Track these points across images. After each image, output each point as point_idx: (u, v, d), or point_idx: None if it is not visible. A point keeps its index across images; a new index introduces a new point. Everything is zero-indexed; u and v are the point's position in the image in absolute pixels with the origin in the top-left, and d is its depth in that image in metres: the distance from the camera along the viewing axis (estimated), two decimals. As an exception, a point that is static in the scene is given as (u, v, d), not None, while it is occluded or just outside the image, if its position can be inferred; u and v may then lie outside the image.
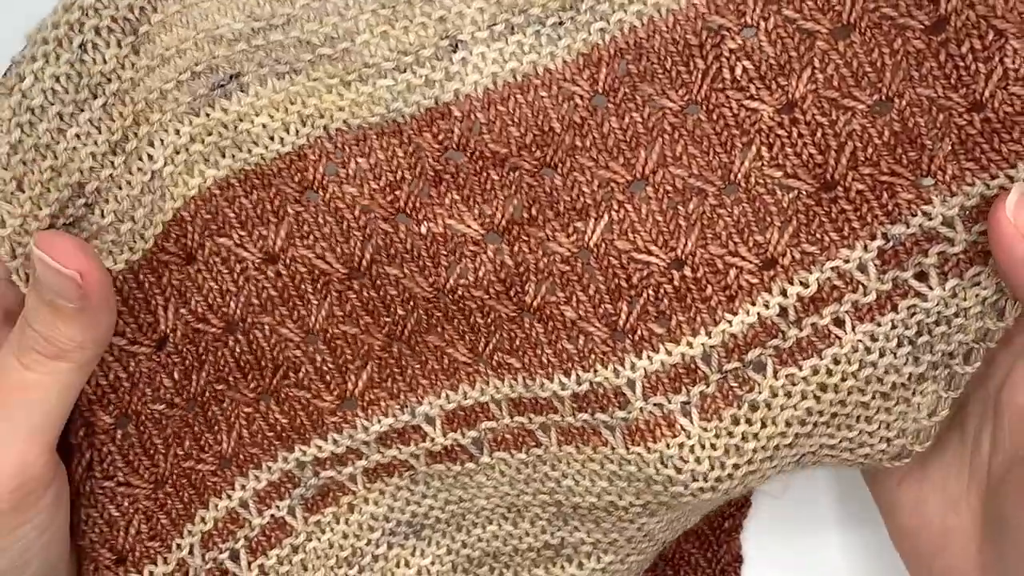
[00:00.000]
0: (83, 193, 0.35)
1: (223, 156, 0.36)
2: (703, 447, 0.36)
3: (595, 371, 0.36)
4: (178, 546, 0.39)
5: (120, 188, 0.36)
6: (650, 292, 0.36)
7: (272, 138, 0.36)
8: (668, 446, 0.36)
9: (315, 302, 0.37)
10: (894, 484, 0.41)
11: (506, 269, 0.36)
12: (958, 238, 0.35)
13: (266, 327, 0.37)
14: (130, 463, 0.38)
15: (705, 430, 0.36)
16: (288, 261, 0.37)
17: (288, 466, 0.39)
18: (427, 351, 0.38)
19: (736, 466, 0.36)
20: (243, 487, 0.39)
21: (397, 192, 0.36)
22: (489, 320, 0.37)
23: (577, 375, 0.36)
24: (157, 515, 0.38)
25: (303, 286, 0.37)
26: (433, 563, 0.41)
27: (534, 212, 0.36)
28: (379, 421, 0.38)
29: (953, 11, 0.33)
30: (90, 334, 0.35)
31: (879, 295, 0.35)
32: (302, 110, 0.36)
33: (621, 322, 0.36)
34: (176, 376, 0.38)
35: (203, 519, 0.39)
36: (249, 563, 0.39)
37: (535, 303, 0.36)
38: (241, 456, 0.39)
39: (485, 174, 0.36)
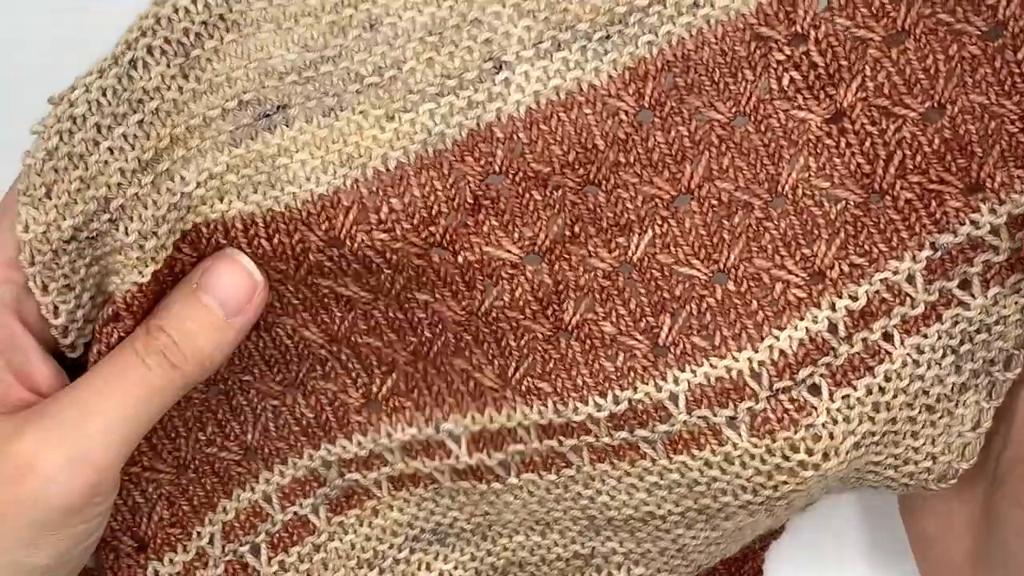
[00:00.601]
0: (108, 208, 0.35)
1: (255, 191, 0.35)
2: (752, 459, 0.35)
3: (635, 388, 0.35)
4: (198, 534, 0.38)
5: (146, 208, 0.35)
6: (693, 306, 0.35)
7: (308, 178, 0.35)
8: (714, 453, 0.35)
9: (339, 314, 0.37)
10: None
11: (544, 288, 0.36)
12: (1003, 247, 0.34)
13: (288, 327, 0.37)
14: (154, 447, 0.38)
15: (755, 446, 0.35)
16: (309, 284, 0.36)
17: (314, 464, 0.39)
18: (453, 373, 0.37)
19: (786, 483, 0.36)
20: (267, 480, 0.39)
21: (432, 228, 0.35)
22: (522, 343, 0.36)
23: (615, 395, 0.36)
24: (179, 501, 0.38)
25: (326, 300, 0.37)
26: (456, 568, 0.40)
27: (576, 230, 0.36)
28: (403, 429, 0.38)
29: (1011, 16, 0.33)
30: (218, 355, 0.35)
31: (926, 306, 0.35)
32: (343, 148, 0.35)
33: (663, 336, 0.35)
34: None
35: (225, 509, 0.38)
36: (269, 558, 0.39)
37: (574, 321, 0.36)
38: (267, 449, 0.38)
39: (527, 195, 0.35)
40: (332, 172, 0.35)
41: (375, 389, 0.38)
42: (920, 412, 0.36)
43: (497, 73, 0.35)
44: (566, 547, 0.40)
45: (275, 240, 0.35)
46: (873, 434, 0.36)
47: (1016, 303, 0.35)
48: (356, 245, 0.35)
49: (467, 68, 0.34)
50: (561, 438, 0.37)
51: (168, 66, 0.34)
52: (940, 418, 0.37)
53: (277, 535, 0.39)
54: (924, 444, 0.37)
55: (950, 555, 0.40)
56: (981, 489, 0.39)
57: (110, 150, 0.34)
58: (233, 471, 0.38)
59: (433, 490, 0.39)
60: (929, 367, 0.35)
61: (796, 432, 0.35)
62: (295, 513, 0.39)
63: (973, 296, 0.35)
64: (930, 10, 0.33)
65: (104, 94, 0.33)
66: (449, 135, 0.35)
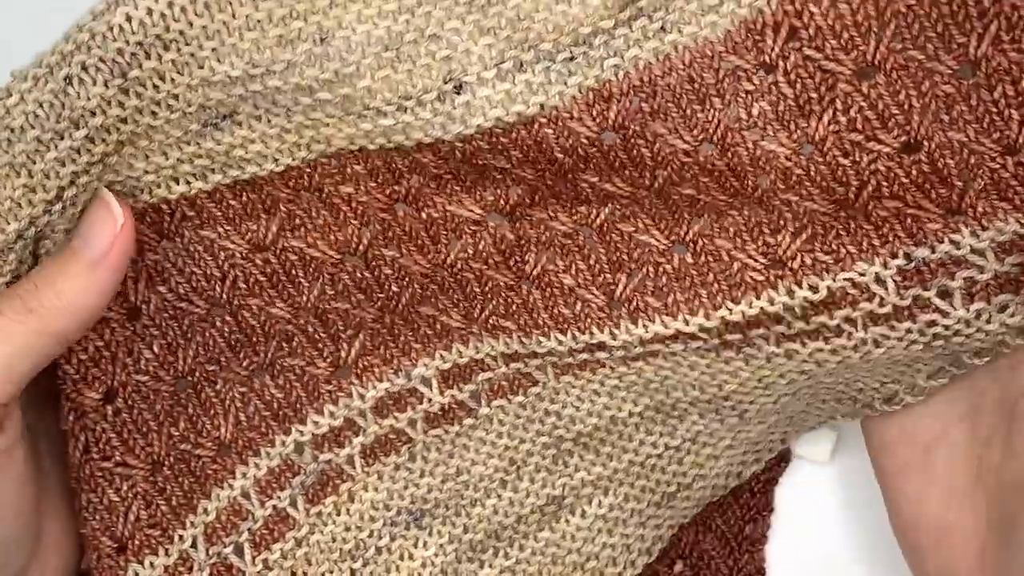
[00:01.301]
0: (61, 198, 0.34)
1: (214, 173, 0.36)
2: (698, 360, 0.37)
3: (591, 333, 0.37)
4: (180, 538, 0.39)
5: (93, 187, 0.35)
6: (650, 268, 0.36)
7: (267, 157, 0.36)
8: (665, 359, 0.37)
9: (306, 284, 0.37)
10: (895, 470, 0.41)
11: (506, 241, 0.37)
12: (988, 267, 0.33)
13: (254, 307, 0.37)
14: (124, 441, 0.38)
15: (701, 356, 0.37)
16: (278, 251, 0.37)
17: (287, 450, 0.39)
18: (420, 320, 0.38)
19: (727, 382, 0.38)
20: (244, 475, 0.39)
21: (395, 187, 0.36)
22: (486, 289, 0.37)
23: (574, 334, 0.37)
24: (156, 501, 0.38)
25: (293, 271, 0.37)
26: (437, 554, 0.41)
27: (536, 198, 0.36)
28: (374, 387, 0.38)
29: (983, 57, 0.31)
30: (81, 300, 0.34)
31: (896, 308, 0.34)
32: (299, 140, 0.35)
33: (618, 292, 0.36)
34: (156, 349, 0.38)
35: (206, 510, 0.39)
36: (253, 557, 0.39)
37: (535, 272, 0.37)
38: (240, 442, 0.39)
39: (488, 171, 0.35)
40: (291, 155, 0.35)
41: (343, 355, 0.38)
42: (876, 366, 0.36)
43: (457, 95, 0.34)
44: (538, 494, 0.42)
45: (243, 197, 0.36)
46: (820, 371, 0.36)
47: (1001, 322, 0.34)
48: (324, 195, 0.36)
49: (426, 88, 0.33)
50: (527, 360, 0.39)
51: (106, 86, 0.33)
52: (897, 366, 0.37)
53: (259, 533, 0.39)
54: (876, 377, 0.38)
55: (950, 566, 0.39)
56: (983, 499, 0.38)
57: (58, 160, 0.34)
58: (209, 469, 0.39)
59: (407, 452, 0.40)
60: (892, 349, 0.35)
61: (738, 354, 0.36)
62: (274, 507, 0.39)
63: (953, 307, 0.34)
64: (900, 45, 0.32)
65: (40, 107, 0.33)
66: (408, 144, 0.35)
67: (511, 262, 0.37)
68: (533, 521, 0.42)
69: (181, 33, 0.32)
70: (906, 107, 0.32)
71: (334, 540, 0.40)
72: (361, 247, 0.37)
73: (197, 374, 0.38)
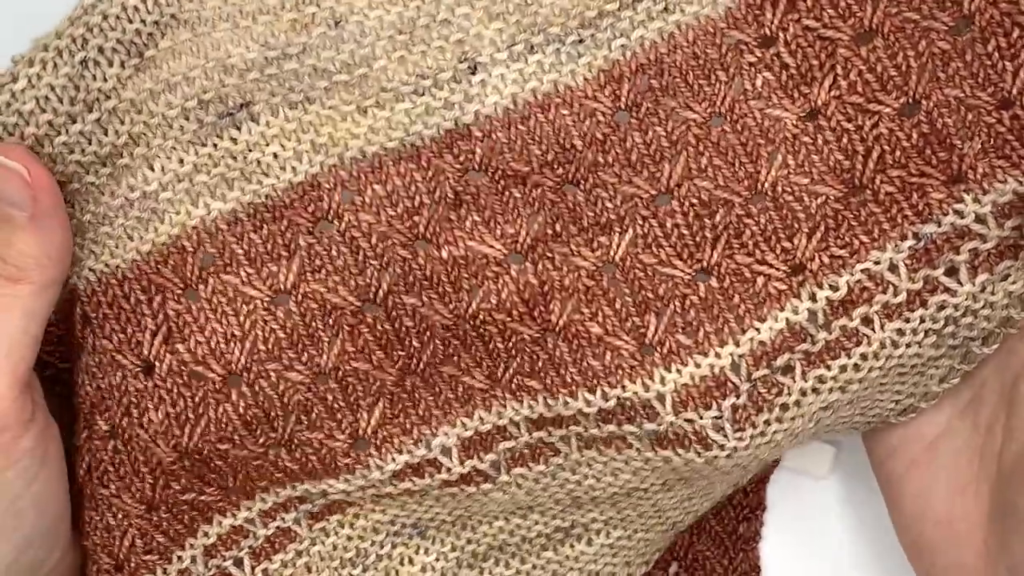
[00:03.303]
0: (63, 191, 0.34)
1: (231, 188, 0.35)
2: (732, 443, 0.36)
3: (623, 387, 0.35)
4: (179, 558, 0.37)
5: (102, 194, 0.35)
6: (676, 304, 0.36)
7: (284, 168, 0.35)
8: (699, 455, 0.36)
9: (326, 340, 0.36)
10: (903, 469, 0.41)
11: (530, 288, 0.36)
12: (990, 234, 0.35)
13: (272, 375, 0.36)
14: (121, 479, 0.37)
15: (740, 439, 0.36)
16: (299, 298, 0.36)
17: (297, 493, 0.38)
18: (441, 382, 0.37)
19: (757, 444, 0.36)
20: (249, 508, 0.38)
21: (416, 218, 0.35)
22: (510, 344, 0.36)
23: (604, 391, 0.35)
24: (152, 534, 0.37)
25: (313, 323, 0.36)
26: (438, 560, 0.41)
27: (558, 228, 0.36)
28: (393, 460, 0.37)
29: (977, 10, 0.33)
30: (45, 248, 0.34)
31: (909, 294, 0.35)
32: (316, 139, 0.35)
33: (649, 335, 0.35)
34: (161, 415, 0.36)
35: (206, 533, 0.38)
36: (253, 568, 0.38)
37: (560, 322, 0.36)
38: (248, 488, 0.37)
39: (507, 193, 0.35)
40: (308, 160, 0.35)
41: (362, 425, 0.37)
42: (892, 376, 0.37)
43: (473, 74, 0.34)
44: (547, 524, 0.41)
45: (264, 230, 0.35)
46: (842, 401, 0.37)
47: (1004, 290, 0.35)
48: (344, 225, 0.35)
49: (441, 68, 0.34)
50: (551, 428, 0.37)
51: (123, 67, 0.33)
52: (910, 378, 0.38)
53: (259, 547, 0.38)
54: (891, 395, 0.38)
55: (958, 558, 0.39)
56: (985, 486, 0.39)
57: (65, 144, 0.34)
58: (214, 506, 0.37)
59: (418, 494, 0.39)
60: (908, 347, 0.36)
61: (771, 412, 0.36)
62: (278, 527, 0.38)
63: (960, 283, 0.35)
64: (896, 9, 0.34)
65: (53, 91, 0.33)
66: (427, 134, 0.35)
67: (535, 312, 0.36)
68: (538, 543, 0.41)
69: (196, 13, 0.33)
70: (904, 68, 0.34)
71: (335, 549, 0.39)
72: (381, 293, 0.36)
73: (206, 451, 0.36)
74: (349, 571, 0.40)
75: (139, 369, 0.36)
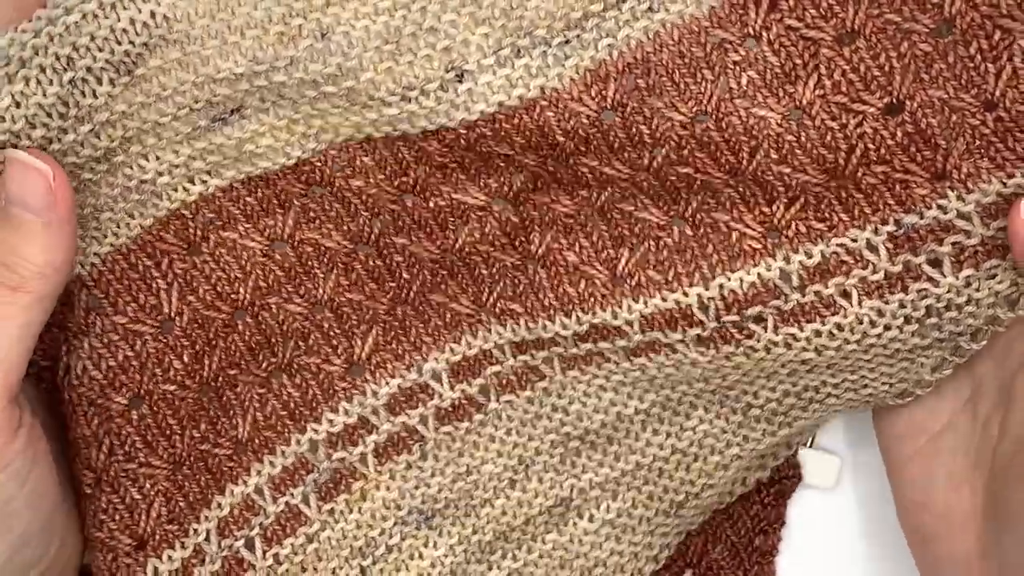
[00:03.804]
0: None
1: (228, 170, 0.37)
2: (700, 356, 0.38)
3: (594, 313, 0.37)
4: (195, 531, 0.39)
5: (100, 188, 0.36)
6: (651, 243, 0.37)
7: (278, 151, 0.37)
8: (667, 358, 0.38)
9: (321, 275, 0.39)
10: (906, 457, 0.41)
11: (511, 224, 0.38)
12: (975, 231, 0.34)
13: (273, 307, 0.39)
14: (149, 443, 0.39)
15: (702, 354, 0.37)
16: (295, 243, 0.38)
17: (301, 448, 0.40)
18: (430, 309, 0.39)
19: (721, 363, 0.38)
20: (258, 472, 0.40)
21: (403, 178, 0.38)
22: (494, 271, 0.38)
23: (578, 316, 0.38)
24: (176, 497, 0.39)
25: (309, 262, 0.39)
26: (446, 554, 0.42)
27: (539, 184, 0.37)
28: (387, 383, 0.39)
29: (958, 13, 0.32)
30: (51, 258, 0.34)
31: (888, 275, 0.35)
32: (307, 131, 0.37)
33: (621, 267, 0.37)
34: (186, 359, 0.39)
35: (219, 504, 0.39)
36: (264, 551, 0.40)
37: (540, 251, 0.38)
38: (256, 441, 0.39)
39: (491, 161, 0.37)
40: (299, 148, 0.37)
41: (357, 351, 0.39)
42: (876, 356, 0.37)
43: (460, 83, 0.35)
44: (546, 494, 0.42)
45: (258, 193, 0.38)
46: (819, 364, 0.37)
47: (990, 288, 0.35)
48: (336, 188, 0.38)
49: (429, 79, 0.35)
50: (533, 352, 0.39)
51: (113, 85, 0.34)
52: (899, 363, 0.38)
53: (270, 528, 0.40)
54: (881, 376, 0.38)
55: (953, 550, 0.39)
56: (980, 482, 0.39)
57: (60, 151, 0.34)
58: (225, 466, 0.39)
59: (418, 451, 0.40)
60: (887, 329, 0.36)
61: (737, 347, 0.37)
62: (287, 504, 0.40)
63: (943, 275, 0.35)
64: (878, 11, 0.33)
65: (42, 108, 0.33)
66: (413, 133, 0.36)
67: (516, 242, 0.38)
68: (541, 523, 0.42)
69: (184, 33, 0.34)
70: (887, 68, 0.33)
71: (345, 537, 0.41)
72: (372, 236, 0.39)
73: (220, 379, 0.39)
74: (359, 562, 0.41)
75: (158, 329, 0.39)
